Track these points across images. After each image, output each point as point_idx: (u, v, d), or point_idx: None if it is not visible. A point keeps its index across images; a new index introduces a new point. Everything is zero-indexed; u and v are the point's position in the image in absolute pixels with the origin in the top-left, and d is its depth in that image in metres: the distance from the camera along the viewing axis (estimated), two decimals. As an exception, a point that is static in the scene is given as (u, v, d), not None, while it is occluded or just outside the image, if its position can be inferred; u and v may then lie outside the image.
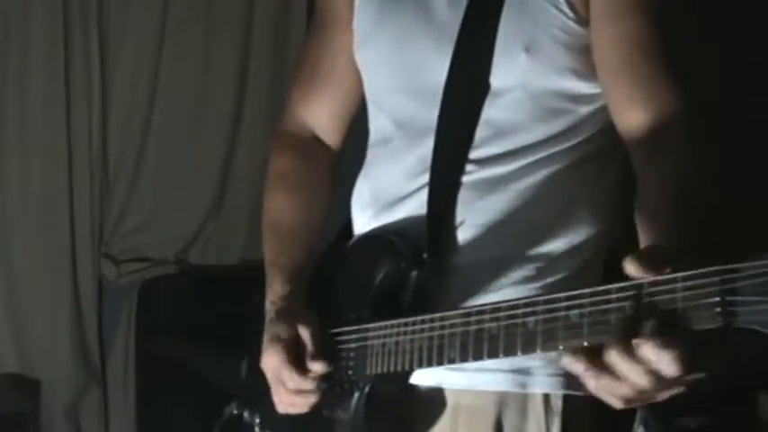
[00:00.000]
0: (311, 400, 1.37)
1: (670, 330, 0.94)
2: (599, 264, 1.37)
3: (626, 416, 1.34)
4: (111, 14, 3.27)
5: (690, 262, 0.96)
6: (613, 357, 0.97)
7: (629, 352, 0.96)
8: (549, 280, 1.33)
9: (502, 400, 1.31)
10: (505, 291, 1.31)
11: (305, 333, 1.36)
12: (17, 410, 3.15)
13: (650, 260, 0.98)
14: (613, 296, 0.99)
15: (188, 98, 3.38)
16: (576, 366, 1.00)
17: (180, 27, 3.34)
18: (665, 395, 1.01)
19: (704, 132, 1.25)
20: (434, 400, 1.35)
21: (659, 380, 0.96)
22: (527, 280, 1.33)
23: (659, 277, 0.96)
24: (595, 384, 1.00)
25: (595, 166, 1.38)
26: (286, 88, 3.49)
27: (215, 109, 3.42)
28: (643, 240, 1.17)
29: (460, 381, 1.32)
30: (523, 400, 1.31)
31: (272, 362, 1.38)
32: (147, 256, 3.38)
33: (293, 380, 1.36)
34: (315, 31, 1.60)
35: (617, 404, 1.02)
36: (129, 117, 3.34)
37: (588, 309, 1.01)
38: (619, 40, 1.29)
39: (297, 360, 1.36)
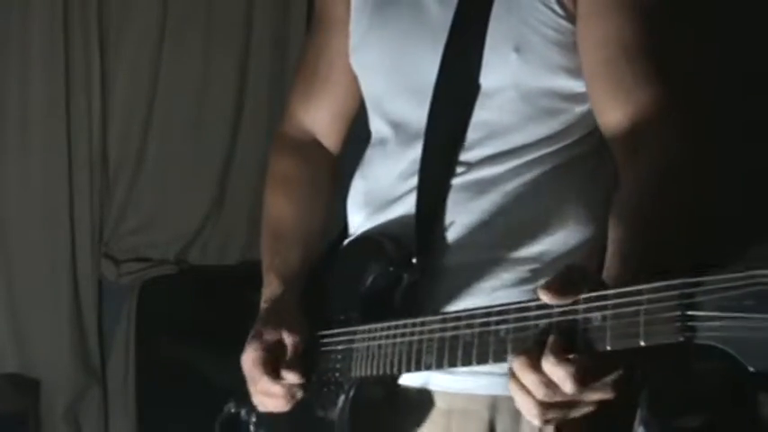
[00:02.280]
0: (282, 403, 1.38)
1: (568, 348, 0.98)
2: (595, 265, 1.37)
3: (622, 420, 1.34)
4: (112, 14, 3.27)
5: (621, 278, 0.99)
6: (516, 366, 1.01)
7: (534, 364, 0.99)
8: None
9: (494, 404, 1.31)
10: (498, 293, 1.30)
11: (288, 340, 1.37)
12: (17, 410, 3.15)
13: (560, 288, 1.01)
14: (581, 306, 1.00)
15: (188, 98, 3.38)
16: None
17: (180, 27, 3.34)
18: (573, 413, 1.03)
19: (684, 134, 1.24)
20: (424, 403, 1.35)
21: (556, 394, 0.99)
22: (521, 282, 1.32)
23: (624, 289, 0.96)
24: (512, 391, 1.04)
25: (590, 165, 1.37)
26: (286, 88, 3.52)
27: (215, 109, 3.42)
28: (609, 243, 1.16)
29: (452, 384, 1.32)
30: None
31: (248, 359, 1.39)
32: (147, 256, 3.38)
33: (261, 382, 1.37)
34: (313, 35, 1.61)
35: (533, 420, 1.05)
36: (129, 117, 3.33)
37: (556, 319, 1.02)
38: (602, 40, 1.28)
39: (272, 364, 1.36)
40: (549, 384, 0.99)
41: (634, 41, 1.26)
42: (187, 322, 3.15)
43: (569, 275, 1.02)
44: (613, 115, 1.27)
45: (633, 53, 1.26)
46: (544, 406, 1.01)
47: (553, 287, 1.01)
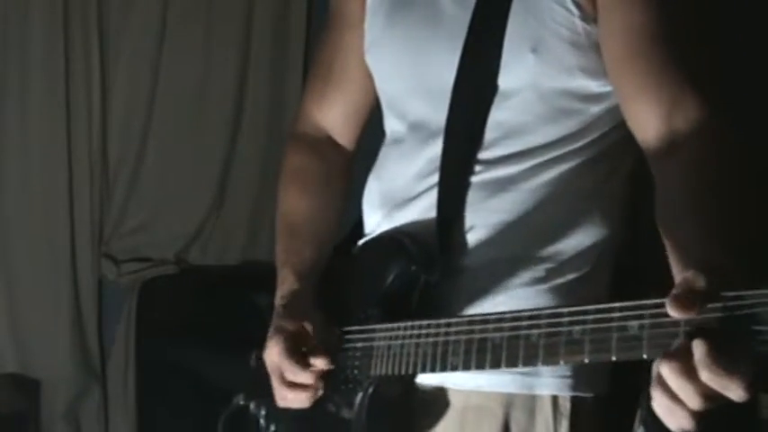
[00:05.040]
0: (307, 396, 1.36)
1: (734, 354, 0.89)
2: (610, 265, 1.37)
3: (623, 420, 1.34)
4: (111, 14, 3.27)
5: (722, 280, 0.92)
6: (667, 373, 0.93)
7: (689, 371, 0.91)
8: (559, 281, 1.32)
9: (509, 401, 1.31)
10: (514, 291, 1.32)
11: (310, 328, 1.37)
12: (17, 410, 3.15)
13: (687, 300, 0.93)
14: (616, 315, 0.99)
15: (188, 98, 3.38)
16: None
17: (180, 27, 3.34)
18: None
19: (725, 127, 1.22)
20: (439, 401, 1.35)
21: (714, 401, 0.92)
22: (536, 281, 1.32)
23: (662, 300, 0.94)
24: (656, 402, 0.96)
25: (606, 165, 1.37)
26: (286, 88, 3.53)
27: (215, 109, 3.42)
28: (669, 248, 1.13)
29: (468, 382, 1.32)
30: (531, 402, 1.31)
31: (273, 352, 1.37)
32: (147, 256, 3.37)
33: (292, 372, 1.35)
34: (329, 33, 1.61)
35: (675, 428, 0.96)
36: (129, 117, 3.33)
37: (590, 326, 1.02)
38: (627, 31, 1.27)
39: (298, 353, 1.35)
40: (709, 395, 0.91)
41: (659, 32, 1.25)
42: (187, 322, 3.15)
43: (692, 287, 0.95)
44: (644, 111, 1.26)
45: (660, 44, 1.25)
46: (696, 415, 0.94)
47: (681, 301, 0.93)
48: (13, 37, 3.14)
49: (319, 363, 1.34)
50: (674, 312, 0.93)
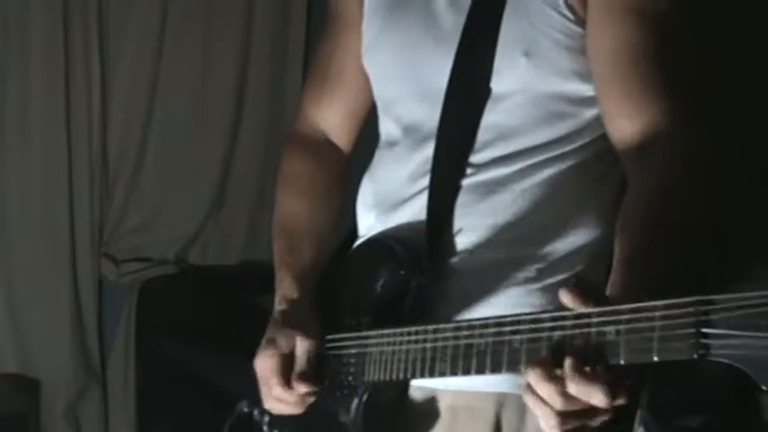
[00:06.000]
0: (294, 408, 1.40)
1: (582, 362, 0.99)
2: (603, 266, 1.36)
3: (626, 416, 1.34)
4: (111, 14, 3.27)
5: (627, 296, 1.01)
6: (532, 378, 1.02)
7: (549, 375, 1.01)
8: (550, 281, 1.32)
9: (501, 400, 1.32)
10: (506, 292, 1.32)
11: (301, 349, 1.39)
12: (17, 410, 3.15)
13: (581, 294, 1.02)
14: (594, 320, 1.01)
15: (188, 98, 3.38)
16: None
17: (180, 27, 3.34)
18: (593, 421, 1.04)
19: (693, 145, 1.24)
20: (432, 402, 1.36)
21: (573, 403, 1.01)
22: (528, 281, 1.32)
23: (638, 305, 0.97)
24: (530, 404, 1.05)
25: (599, 168, 1.38)
26: (286, 88, 3.53)
27: (215, 109, 3.41)
28: (615, 251, 1.17)
29: (459, 382, 1.31)
30: (522, 401, 1.31)
31: (262, 366, 1.41)
32: (147, 256, 3.37)
33: (278, 390, 1.39)
34: (327, 35, 1.62)
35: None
36: (129, 117, 3.33)
37: (570, 332, 1.03)
38: (612, 49, 1.28)
39: (286, 372, 1.39)
40: (566, 394, 1.00)
41: (644, 50, 1.27)
42: (187, 322, 3.15)
43: (585, 285, 1.04)
44: (623, 126, 1.28)
45: (643, 63, 1.26)
46: (563, 416, 1.02)
47: (577, 293, 1.02)
48: (13, 37, 3.14)
49: (302, 389, 1.38)
50: (563, 298, 1.03)
